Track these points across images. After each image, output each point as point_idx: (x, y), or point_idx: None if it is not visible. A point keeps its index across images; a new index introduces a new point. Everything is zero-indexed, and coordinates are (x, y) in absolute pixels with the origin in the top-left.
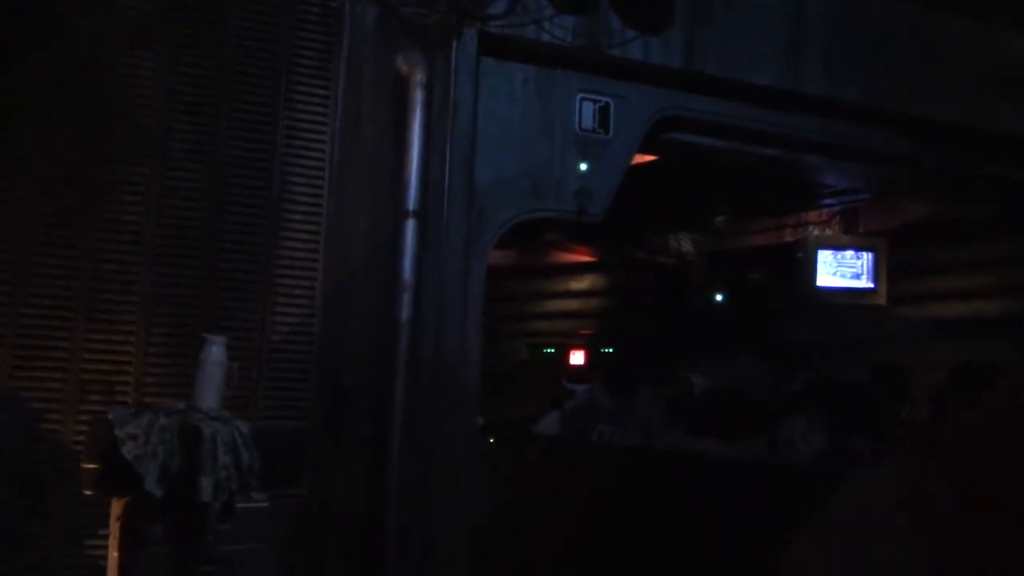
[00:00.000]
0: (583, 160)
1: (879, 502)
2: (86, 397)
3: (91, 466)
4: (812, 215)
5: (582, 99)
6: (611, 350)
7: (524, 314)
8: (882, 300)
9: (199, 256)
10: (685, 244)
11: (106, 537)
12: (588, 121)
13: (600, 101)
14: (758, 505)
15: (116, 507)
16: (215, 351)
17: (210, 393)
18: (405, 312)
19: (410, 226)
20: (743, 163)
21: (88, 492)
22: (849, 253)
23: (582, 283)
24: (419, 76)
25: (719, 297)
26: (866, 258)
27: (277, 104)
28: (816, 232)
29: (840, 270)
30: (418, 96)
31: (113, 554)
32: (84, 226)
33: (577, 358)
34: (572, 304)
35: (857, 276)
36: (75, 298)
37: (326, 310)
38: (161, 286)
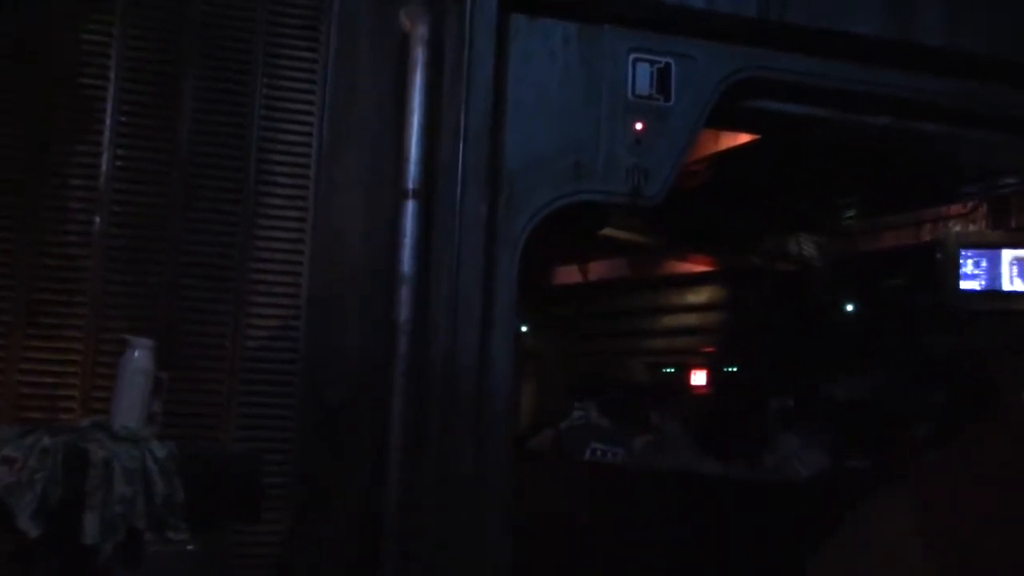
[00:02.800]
0: (637, 132)
1: (895, 528)
2: (23, 415)
3: None
4: (955, 208)
5: (636, 60)
6: (735, 368)
7: (639, 331)
8: None
9: (159, 250)
10: (807, 247)
11: None
12: (644, 86)
13: (658, 62)
14: (755, 525)
15: None
16: (138, 357)
17: (129, 408)
18: (403, 311)
19: (409, 209)
20: (848, 137)
21: None
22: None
23: (700, 296)
24: (421, 31)
25: (849, 307)
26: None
27: (254, 70)
28: (958, 228)
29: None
30: (419, 55)
31: None
32: (22, 215)
33: (699, 378)
34: (690, 319)
35: (1008, 279)
36: (11, 299)
37: (313, 311)
38: (113, 285)
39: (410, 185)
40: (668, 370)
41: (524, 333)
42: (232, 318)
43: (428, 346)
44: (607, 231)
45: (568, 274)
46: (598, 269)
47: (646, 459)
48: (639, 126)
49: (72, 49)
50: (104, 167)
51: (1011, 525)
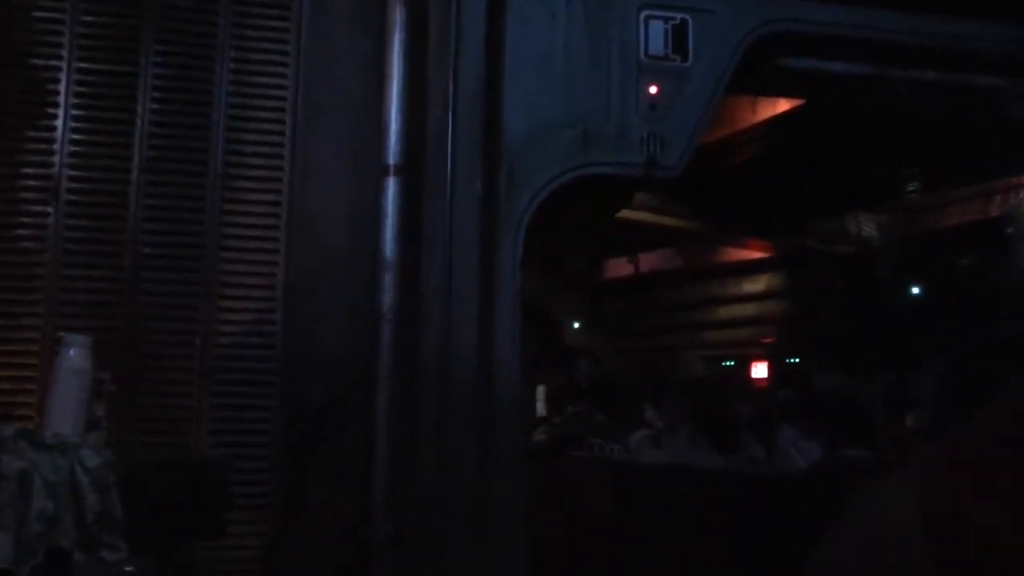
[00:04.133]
0: (652, 97)
1: (899, 521)
2: None
3: None
4: None
5: (648, 18)
6: (797, 361)
7: (695, 323)
8: None
9: (120, 241)
10: (867, 228)
11: None
12: (657, 46)
13: (673, 19)
14: (753, 518)
15: None
16: (72, 356)
17: (63, 413)
18: (387, 300)
19: (391, 186)
20: (891, 97)
21: None
22: None
23: (757, 284)
24: None
25: (915, 289)
26: None
27: (220, 41)
28: None
29: None
30: (397, 16)
31: None
32: None
33: (760, 371)
34: (748, 309)
35: None
36: None
37: (291, 302)
38: (71, 281)
39: (391, 160)
40: (727, 363)
41: (576, 330)
42: (201, 313)
43: (418, 339)
44: (649, 217)
45: (618, 267)
46: (650, 260)
47: (643, 454)
48: (653, 90)
49: (22, 26)
50: (58, 153)
51: (1014, 513)
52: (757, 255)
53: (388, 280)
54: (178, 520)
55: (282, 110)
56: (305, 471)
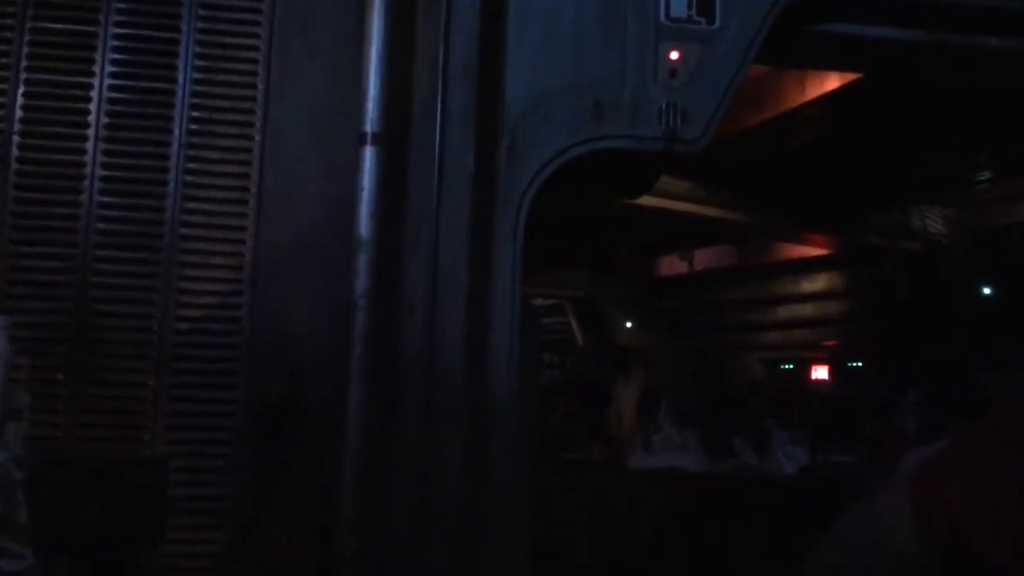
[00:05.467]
0: (673, 63)
1: (896, 530)
2: None
3: None
4: None
5: None
6: (859, 364)
7: (752, 324)
8: None
9: (73, 216)
10: (933, 222)
11: None
12: (680, 6)
13: None
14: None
15: None
16: None
17: None
18: (360, 283)
19: (368, 157)
20: (950, 67)
21: None
22: None
23: (816, 283)
24: None
25: (986, 290)
26: None
27: None
28: None
29: None
30: None
31: None
32: None
33: (820, 373)
34: (806, 310)
35: None
36: None
37: (259, 285)
38: (19, 259)
39: (368, 128)
40: (786, 366)
41: (629, 329)
42: (160, 296)
43: (398, 329)
44: (698, 208)
45: (672, 264)
46: (704, 258)
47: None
48: (674, 56)
49: None
50: (8, 119)
51: (1011, 521)
52: (816, 252)
53: (362, 262)
54: (102, 524)
55: (253, 73)
56: (269, 472)
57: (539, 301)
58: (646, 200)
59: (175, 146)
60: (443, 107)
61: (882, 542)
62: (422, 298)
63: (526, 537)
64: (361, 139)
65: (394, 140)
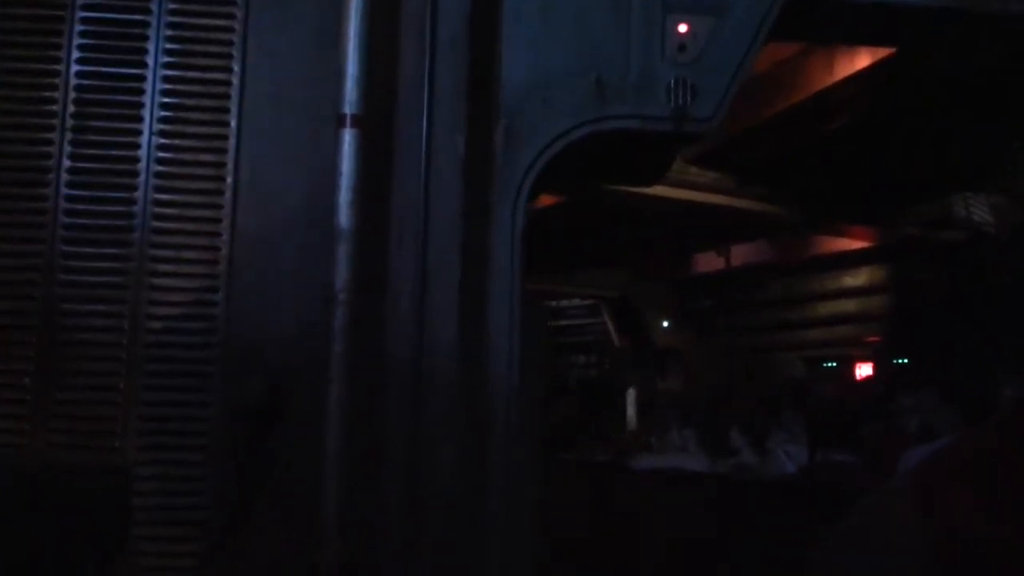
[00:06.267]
0: (681, 37)
1: (899, 532)
2: None
3: None
4: None
5: None
6: (906, 361)
7: (793, 321)
8: None
9: (38, 209)
10: (979, 210)
11: None
12: None
13: None
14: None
15: None
16: None
17: None
18: (341, 276)
19: (346, 140)
20: (985, 35)
21: None
22: None
23: (858, 278)
24: None
25: None
26: None
27: None
28: None
29: None
30: None
31: None
32: None
33: (865, 371)
34: (849, 306)
35: None
36: None
37: (236, 280)
38: None
39: (347, 109)
40: (828, 364)
41: (665, 328)
42: (131, 293)
43: (383, 327)
44: (728, 201)
45: (708, 261)
46: (741, 254)
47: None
48: (683, 28)
49: None
50: None
51: (1011, 522)
52: (857, 245)
53: (342, 253)
54: (53, 539)
55: (228, 56)
56: (247, 479)
57: (575, 302)
58: (679, 194)
59: (146, 134)
60: (430, 86)
61: (883, 542)
62: (409, 292)
63: (529, 548)
64: (340, 121)
65: (376, 122)
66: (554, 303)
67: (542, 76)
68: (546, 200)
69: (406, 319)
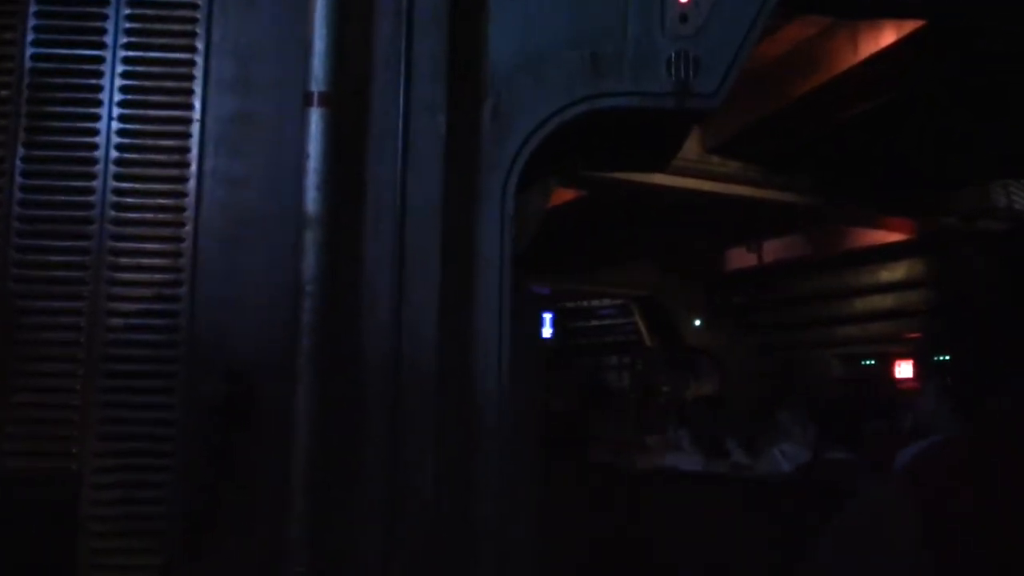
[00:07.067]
0: (682, 6)
1: (895, 523)
2: None
3: None
4: None
5: None
6: (947, 358)
7: (828, 318)
8: None
9: None
10: (1020, 198)
11: None
12: None
13: None
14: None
15: None
16: None
17: None
18: (308, 266)
19: (314, 120)
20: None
21: None
22: None
23: (896, 272)
24: None
25: None
26: None
27: None
28: None
29: None
30: None
31: None
32: None
33: (905, 370)
34: (887, 301)
35: None
36: None
37: (201, 273)
38: None
39: (315, 87)
40: (867, 362)
41: (697, 327)
42: (90, 289)
43: (357, 321)
44: (752, 192)
45: (740, 257)
46: (774, 249)
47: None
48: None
49: None
50: None
51: (1005, 517)
52: (894, 238)
53: (311, 240)
54: None
55: (192, 35)
56: (213, 486)
57: (605, 302)
58: (701, 185)
59: (105, 119)
60: (407, 61)
61: (879, 536)
62: (385, 285)
63: (529, 552)
64: (307, 100)
65: (349, 101)
66: (584, 303)
67: (532, 50)
68: (565, 195)
69: (383, 313)
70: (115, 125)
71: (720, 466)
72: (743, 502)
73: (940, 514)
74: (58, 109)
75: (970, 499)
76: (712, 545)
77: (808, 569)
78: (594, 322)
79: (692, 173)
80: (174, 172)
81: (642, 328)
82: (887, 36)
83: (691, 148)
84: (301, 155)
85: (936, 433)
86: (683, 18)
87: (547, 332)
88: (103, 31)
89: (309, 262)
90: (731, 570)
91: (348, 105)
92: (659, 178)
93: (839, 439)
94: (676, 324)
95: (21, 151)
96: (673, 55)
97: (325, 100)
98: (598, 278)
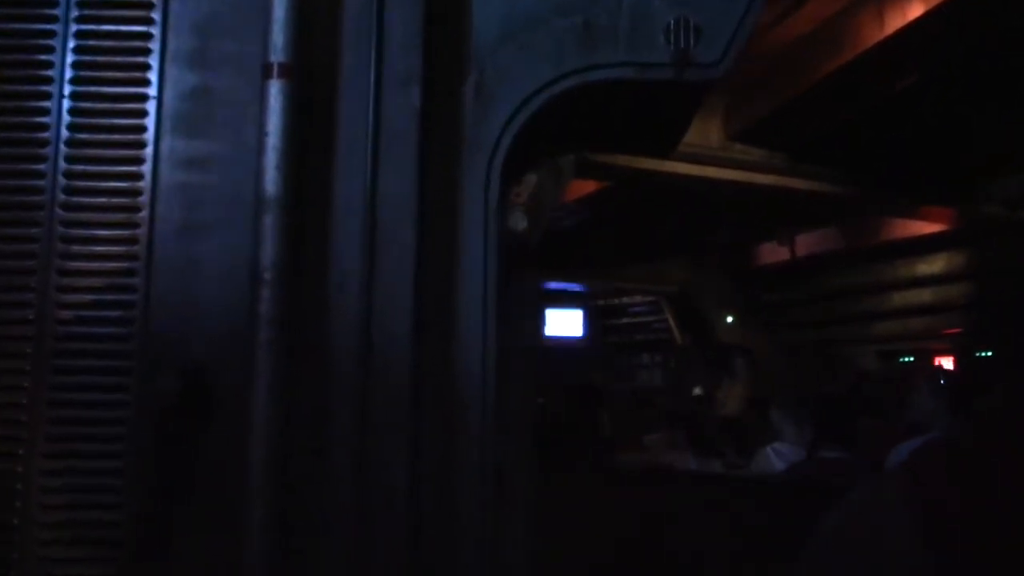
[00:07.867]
0: None
1: (890, 518)
2: None
3: None
4: None
5: None
6: (990, 354)
7: (864, 313)
8: None
9: None
10: None
11: None
12: None
13: None
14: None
15: None
16: None
17: None
18: (267, 252)
19: (273, 93)
20: None
21: None
22: None
23: (933, 266)
24: None
25: None
26: None
27: None
28: None
29: None
30: None
31: None
32: None
33: (945, 366)
34: (924, 296)
35: None
36: None
37: (157, 261)
38: None
39: (273, 58)
40: (905, 359)
41: (730, 324)
42: (37, 279)
43: (325, 313)
44: (779, 181)
45: (772, 252)
46: (807, 243)
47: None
48: None
49: None
50: None
51: (1002, 517)
52: (932, 229)
53: (269, 224)
54: None
55: (148, 5)
56: (169, 491)
57: (637, 299)
58: (724, 174)
59: (55, 96)
60: (379, 29)
61: (878, 536)
62: (355, 273)
63: (524, 554)
64: (266, 71)
65: (313, 73)
66: (616, 301)
67: (519, 18)
68: (586, 187)
69: (352, 304)
70: (66, 103)
71: (715, 466)
72: (739, 501)
73: (941, 514)
74: (5, 87)
75: (971, 499)
76: (712, 545)
77: (806, 569)
78: (625, 320)
79: (714, 162)
80: (129, 153)
81: (673, 325)
82: (915, 9)
83: (712, 136)
84: (261, 133)
85: (933, 431)
86: None
87: (579, 330)
88: (55, 3)
89: (267, 248)
90: (725, 568)
91: (313, 78)
92: (680, 167)
93: (834, 438)
94: (707, 321)
95: None
96: (672, 22)
97: (286, 72)
98: (628, 274)
